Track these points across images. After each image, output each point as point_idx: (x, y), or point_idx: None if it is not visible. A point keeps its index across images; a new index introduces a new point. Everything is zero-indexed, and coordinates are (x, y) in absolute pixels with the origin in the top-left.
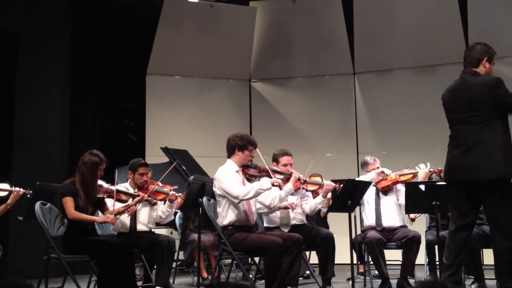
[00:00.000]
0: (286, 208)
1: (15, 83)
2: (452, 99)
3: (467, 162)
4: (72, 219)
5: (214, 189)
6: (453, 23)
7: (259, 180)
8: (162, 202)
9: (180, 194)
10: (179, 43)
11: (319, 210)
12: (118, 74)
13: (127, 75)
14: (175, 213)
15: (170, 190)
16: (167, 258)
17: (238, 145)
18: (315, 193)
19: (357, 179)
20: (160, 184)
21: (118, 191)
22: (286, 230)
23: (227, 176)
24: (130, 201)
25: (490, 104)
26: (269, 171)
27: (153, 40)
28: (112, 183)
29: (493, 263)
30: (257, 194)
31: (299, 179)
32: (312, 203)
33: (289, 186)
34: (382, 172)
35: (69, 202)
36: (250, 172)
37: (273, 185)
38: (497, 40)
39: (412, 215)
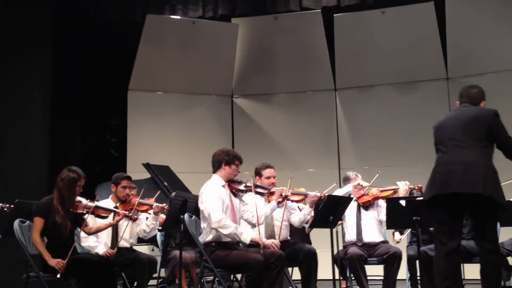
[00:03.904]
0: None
1: None
2: (450, 121)
3: (463, 176)
4: (33, 242)
5: (199, 204)
6: (432, 41)
7: (244, 195)
8: (145, 216)
9: (164, 204)
10: (161, 59)
11: (303, 227)
12: (100, 90)
13: (109, 91)
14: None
15: (154, 202)
16: (148, 277)
17: (225, 160)
18: (300, 203)
19: (334, 193)
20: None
21: (97, 207)
22: None
23: (209, 199)
24: (110, 217)
25: (484, 128)
26: (255, 187)
27: (135, 56)
28: (93, 199)
29: (473, 277)
30: (231, 236)
31: (281, 194)
32: (300, 215)
33: (273, 203)
34: (358, 184)
35: (37, 224)
36: (236, 186)
37: (253, 241)
38: (475, 58)
39: (397, 238)
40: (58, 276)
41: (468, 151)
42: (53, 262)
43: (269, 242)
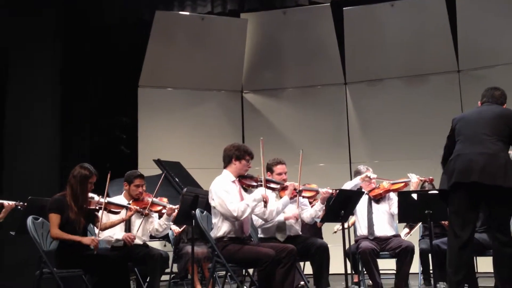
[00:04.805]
0: (290, 219)
1: (5, 97)
2: (473, 115)
3: (485, 166)
4: (53, 238)
5: (210, 200)
6: (442, 33)
7: (255, 190)
8: (157, 215)
9: (177, 206)
10: (171, 56)
11: (315, 222)
12: (110, 86)
13: (119, 88)
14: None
15: (167, 203)
16: (160, 272)
17: (235, 155)
18: (312, 199)
19: (343, 187)
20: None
21: (109, 203)
22: (282, 239)
23: (221, 195)
24: (122, 213)
25: (508, 126)
26: (266, 181)
27: (145, 52)
28: (104, 195)
29: (486, 270)
30: (253, 209)
31: (295, 189)
32: (311, 211)
33: (285, 198)
34: (366, 176)
35: (54, 219)
36: (247, 182)
37: (263, 197)
38: (485, 50)
39: (402, 236)
40: (95, 252)
41: (491, 144)
42: (88, 240)
43: (289, 216)
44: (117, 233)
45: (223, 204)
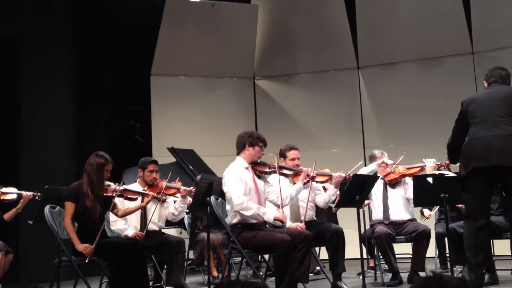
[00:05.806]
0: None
1: (20, 87)
2: (484, 97)
3: (503, 149)
4: (64, 226)
5: (223, 187)
6: (456, 14)
7: (269, 176)
8: (173, 200)
9: (192, 187)
10: (182, 43)
11: (330, 206)
12: (123, 76)
13: (131, 77)
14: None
15: (181, 186)
16: (177, 258)
17: (248, 141)
18: (325, 183)
19: (358, 172)
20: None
21: (126, 190)
22: None
23: (231, 182)
24: (139, 199)
25: None
26: (279, 168)
27: (156, 40)
28: (120, 184)
29: (503, 253)
30: (254, 217)
31: (307, 174)
32: (325, 196)
33: (299, 184)
34: (383, 162)
35: (68, 208)
36: (260, 168)
37: (277, 219)
38: (500, 31)
39: (427, 214)
40: (87, 261)
41: (506, 125)
42: (81, 247)
43: (294, 225)
44: (131, 225)
45: (231, 191)
